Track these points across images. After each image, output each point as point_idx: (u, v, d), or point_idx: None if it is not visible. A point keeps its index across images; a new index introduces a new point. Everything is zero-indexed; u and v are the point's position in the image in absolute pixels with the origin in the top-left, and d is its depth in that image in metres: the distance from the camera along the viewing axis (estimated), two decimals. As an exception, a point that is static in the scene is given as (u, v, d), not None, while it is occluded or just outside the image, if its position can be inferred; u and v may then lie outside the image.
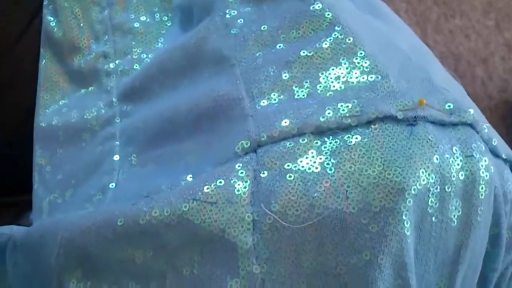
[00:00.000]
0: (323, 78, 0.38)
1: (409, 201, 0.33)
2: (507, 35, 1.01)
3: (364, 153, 0.34)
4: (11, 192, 0.56)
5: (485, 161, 0.36)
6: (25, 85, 0.53)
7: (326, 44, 0.40)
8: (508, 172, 0.38)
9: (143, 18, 0.52)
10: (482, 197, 0.35)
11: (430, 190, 0.34)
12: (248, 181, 0.35)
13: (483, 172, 0.35)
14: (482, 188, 0.35)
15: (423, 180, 0.34)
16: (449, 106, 0.36)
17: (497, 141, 0.38)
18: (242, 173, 0.35)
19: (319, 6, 0.41)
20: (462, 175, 0.35)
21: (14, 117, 0.54)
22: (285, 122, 0.36)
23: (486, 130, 0.37)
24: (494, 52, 1.00)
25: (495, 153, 0.38)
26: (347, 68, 0.38)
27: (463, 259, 0.36)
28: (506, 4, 1.04)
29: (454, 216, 0.35)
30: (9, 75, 0.53)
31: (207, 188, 0.35)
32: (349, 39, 0.40)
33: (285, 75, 0.39)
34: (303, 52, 0.40)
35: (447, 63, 0.97)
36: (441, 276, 0.36)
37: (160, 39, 0.51)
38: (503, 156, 0.38)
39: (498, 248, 0.38)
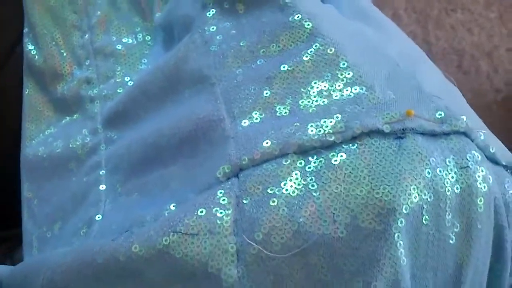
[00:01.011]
0: (305, 93, 0.37)
1: (401, 221, 0.31)
2: (511, 26, 0.98)
3: (350, 172, 0.32)
4: (4, 226, 0.55)
5: (482, 171, 0.33)
6: (10, 114, 0.52)
7: (307, 56, 0.38)
8: (510, 179, 0.36)
9: (125, 40, 0.51)
10: (481, 210, 0.33)
11: (423, 208, 0.32)
12: (231, 209, 0.33)
13: (480, 184, 0.33)
14: (480, 201, 0.33)
15: (415, 197, 0.32)
16: (440, 114, 0.34)
17: (496, 147, 0.35)
18: (224, 200, 0.34)
19: (298, 17, 0.39)
20: (457, 189, 0.33)
21: (2, 147, 0.53)
22: (267, 143, 0.34)
23: (482, 138, 0.35)
24: (498, 44, 0.97)
25: (493, 161, 0.35)
26: (329, 81, 0.37)
27: (465, 278, 0.34)
28: (509, -5, 1.01)
29: (452, 233, 0.33)
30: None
31: (188, 219, 0.33)
32: (331, 50, 0.38)
33: (266, 92, 0.37)
34: (284, 67, 0.38)
35: (450, 59, 0.95)
36: None
37: (144, 60, 0.50)
38: (503, 163, 0.36)
39: (502, 262, 0.35)
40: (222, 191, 0.34)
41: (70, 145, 0.47)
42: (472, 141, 0.34)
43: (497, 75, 0.94)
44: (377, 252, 0.31)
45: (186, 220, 0.33)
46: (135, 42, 0.51)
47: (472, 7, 1.01)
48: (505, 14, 1.00)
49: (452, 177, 0.33)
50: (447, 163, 0.33)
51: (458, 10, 1.00)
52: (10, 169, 0.50)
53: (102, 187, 0.43)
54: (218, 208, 0.33)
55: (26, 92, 0.51)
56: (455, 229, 0.33)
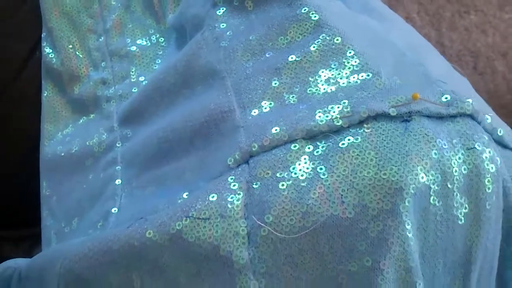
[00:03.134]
0: (313, 82, 0.37)
1: (408, 201, 0.31)
2: (526, 26, 0.98)
3: (357, 155, 0.33)
4: (24, 225, 0.56)
5: (489, 152, 0.34)
6: (29, 116, 0.53)
7: (314, 47, 0.39)
8: None
9: (139, 42, 0.52)
10: (489, 190, 0.33)
11: (430, 188, 0.32)
12: (241, 193, 0.34)
13: (487, 164, 0.33)
14: (488, 181, 0.33)
15: (422, 177, 0.32)
16: (446, 98, 0.35)
17: (504, 131, 0.36)
18: (234, 185, 0.34)
19: (305, 10, 0.40)
20: (464, 169, 0.33)
21: (21, 148, 0.54)
22: (276, 130, 0.35)
23: (489, 120, 0.35)
24: (513, 45, 0.97)
25: (502, 144, 0.35)
26: (336, 69, 0.37)
27: (475, 259, 0.34)
28: (522, -5, 1.01)
29: (461, 213, 0.33)
30: (13, 107, 0.54)
31: (200, 204, 0.34)
32: (337, 39, 0.38)
33: (274, 83, 0.38)
34: (292, 58, 0.39)
35: (465, 60, 0.95)
36: (454, 278, 0.34)
37: (157, 61, 0.51)
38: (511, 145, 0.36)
39: None
40: (233, 177, 0.35)
41: (87, 143, 0.48)
42: (479, 123, 0.35)
43: (513, 76, 0.94)
44: (385, 232, 0.31)
45: (198, 206, 0.34)
46: (149, 43, 0.52)
47: (485, 8, 1.01)
48: (520, 14, 0.99)
49: (459, 158, 0.33)
50: (454, 144, 0.33)
51: (471, 11, 1.00)
52: (29, 170, 0.51)
53: (118, 181, 0.44)
54: (229, 193, 0.34)
55: (45, 94, 0.52)
56: (463, 210, 0.33)
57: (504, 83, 0.93)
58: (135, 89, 0.50)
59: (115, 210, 0.43)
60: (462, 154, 0.33)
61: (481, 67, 0.94)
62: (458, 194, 0.33)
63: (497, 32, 0.97)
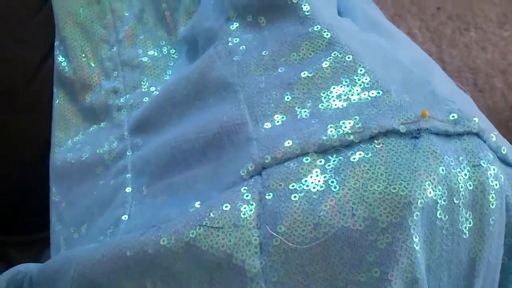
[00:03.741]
0: (325, 97, 0.38)
1: (417, 215, 0.33)
2: (525, 44, 0.99)
3: (368, 169, 0.34)
4: (33, 230, 0.57)
5: (493, 169, 0.35)
6: (40, 123, 0.54)
7: (326, 63, 0.40)
8: None
9: (151, 53, 0.53)
10: (493, 206, 0.35)
11: (437, 203, 0.33)
12: (254, 204, 0.35)
13: (492, 181, 0.35)
14: (492, 198, 0.35)
15: (430, 192, 0.33)
16: (453, 116, 0.36)
17: (507, 149, 0.37)
18: (247, 196, 0.35)
19: (317, 27, 0.42)
20: (470, 186, 0.34)
21: (32, 155, 0.55)
22: (288, 143, 0.36)
23: (493, 139, 0.36)
24: (512, 62, 0.98)
25: (505, 162, 0.37)
26: (348, 86, 0.38)
27: (478, 272, 0.35)
28: (522, 14, 1.03)
29: (465, 227, 0.34)
30: (24, 114, 0.55)
31: (213, 214, 0.35)
32: (349, 57, 0.40)
33: (287, 97, 0.39)
34: (304, 73, 0.40)
35: (465, 77, 0.96)
36: None
37: (168, 72, 0.52)
38: None
39: None
40: (246, 188, 0.36)
41: (98, 151, 0.49)
42: (484, 142, 0.36)
43: (512, 93, 0.95)
44: (394, 244, 0.32)
45: (211, 215, 0.35)
46: (160, 55, 0.53)
47: (485, 26, 1.02)
48: (519, 33, 1.01)
49: (465, 175, 0.34)
50: (460, 161, 0.34)
51: (471, 29, 1.01)
52: (38, 176, 0.52)
53: (128, 189, 0.45)
54: (242, 203, 0.35)
55: (57, 102, 0.53)
56: (468, 224, 0.34)
57: (503, 100, 0.94)
58: (146, 99, 0.50)
59: (125, 218, 0.44)
60: (468, 171, 0.34)
61: (480, 83, 0.96)
62: (463, 209, 0.34)
63: (497, 49, 0.98)
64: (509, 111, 0.93)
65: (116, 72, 0.53)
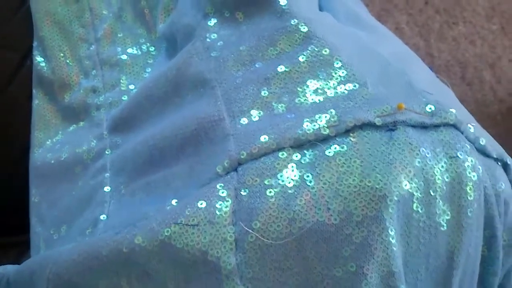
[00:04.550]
0: (301, 92, 0.38)
1: (392, 208, 0.32)
2: (513, 37, 0.99)
3: (343, 163, 0.33)
4: (13, 232, 0.56)
5: (471, 161, 0.35)
6: (20, 124, 0.53)
7: (302, 58, 0.39)
8: (501, 172, 0.37)
9: (130, 50, 0.53)
10: (471, 198, 0.34)
11: (414, 195, 0.33)
12: (230, 201, 0.34)
13: (469, 173, 0.34)
14: (470, 189, 0.34)
15: (405, 185, 0.33)
16: (430, 108, 0.36)
17: (486, 140, 0.37)
18: (223, 192, 0.35)
19: (294, 21, 0.41)
20: (447, 177, 0.34)
21: (11, 156, 0.55)
22: (264, 138, 0.36)
23: (471, 130, 0.36)
24: (501, 55, 0.98)
25: (484, 153, 0.36)
26: (324, 80, 0.38)
27: (457, 264, 0.35)
28: (509, 7, 1.03)
29: (443, 220, 0.34)
30: (4, 115, 0.54)
31: (189, 211, 0.34)
32: (325, 51, 0.39)
33: (264, 92, 0.39)
34: (281, 68, 0.40)
35: (453, 71, 0.96)
36: (436, 283, 0.35)
37: (147, 69, 0.52)
38: (494, 155, 0.37)
39: (494, 251, 0.36)
40: (222, 184, 0.35)
41: (77, 151, 0.48)
42: (462, 133, 0.36)
43: (501, 86, 0.95)
44: (369, 238, 0.32)
45: (186, 212, 0.34)
46: (140, 52, 0.53)
47: (473, 19, 1.02)
48: (507, 26, 1.01)
49: (442, 167, 0.34)
50: (437, 153, 0.34)
51: (459, 23, 1.01)
52: (18, 177, 0.51)
53: (107, 188, 0.45)
54: (217, 200, 0.35)
55: (36, 103, 0.53)
56: (446, 217, 0.34)
57: (492, 93, 0.94)
58: (125, 97, 0.50)
59: (103, 217, 0.43)
60: (445, 162, 0.34)
61: (469, 77, 0.96)
62: (440, 201, 0.34)
63: (485, 43, 0.98)
64: (498, 104, 0.93)
65: (95, 71, 0.52)
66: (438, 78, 0.45)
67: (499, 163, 0.37)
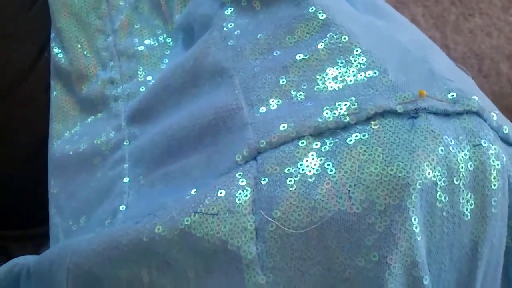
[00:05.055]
0: (320, 80, 0.38)
1: (415, 196, 0.32)
2: (530, 28, 0.98)
3: (364, 151, 0.33)
4: (33, 224, 0.57)
5: (495, 149, 0.34)
6: (38, 115, 0.54)
7: (321, 45, 0.39)
8: None
9: (147, 42, 0.53)
10: (495, 187, 0.34)
11: (437, 184, 0.32)
12: (249, 189, 0.34)
13: (493, 161, 0.34)
14: (494, 178, 0.34)
15: (428, 173, 0.32)
16: (452, 95, 0.35)
17: (509, 128, 0.36)
18: (242, 181, 0.35)
19: (312, 9, 0.41)
20: (471, 166, 0.33)
21: (28, 148, 0.55)
22: (284, 126, 0.36)
23: (494, 118, 0.35)
24: (518, 47, 0.97)
25: (507, 141, 0.36)
26: (344, 67, 0.38)
27: (481, 255, 0.34)
28: (526, -2, 1.01)
29: (467, 209, 0.33)
30: (22, 107, 0.55)
31: (208, 200, 0.34)
32: (344, 38, 0.39)
33: (282, 80, 0.39)
34: (299, 56, 0.39)
35: (470, 63, 0.95)
36: (460, 274, 0.34)
37: (165, 60, 0.52)
38: None
39: None
40: (241, 173, 0.35)
41: (95, 142, 0.49)
42: (485, 121, 0.35)
43: (518, 78, 0.94)
44: (392, 227, 0.32)
45: (206, 201, 0.34)
46: (156, 43, 0.53)
47: (489, 11, 1.01)
48: (524, 17, 0.99)
49: (465, 155, 0.33)
50: (460, 140, 0.34)
51: (476, 14, 1.00)
52: (36, 170, 0.51)
53: (126, 179, 0.45)
54: (237, 189, 0.34)
55: (54, 94, 0.53)
56: (469, 206, 0.33)
57: (509, 85, 0.93)
58: (142, 88, 0.50)
59: (123, 208, 0.43)
60: (468, 150, 0.34)
61: (486, 69, 0.94)
62: (464, 190, 0.33)
63: (502, 34, 0.97)
64: (516, 96, 0.92)
65: (112, 62, 0.52)
66: (458, 67, 0.44)
67: None
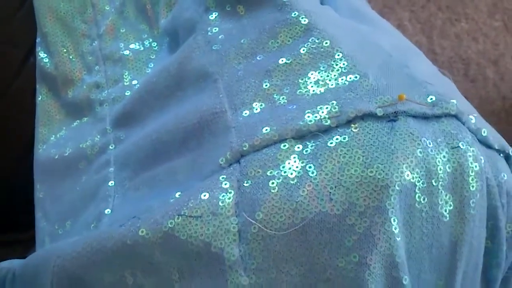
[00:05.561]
0: (303, 83, 0.38)
1: (394, 198, 0.32)
2: (516, 34, 0.99)
3: (345, 153, 0.34)
4: (19, 229, 0.57)
5: (473, 151, 0.34)
6: (24, 120, 0.54)
7: (303, 49, 0.40)
8: (503, 163, 0.37)
9: (132, 46, 0.53)
10: (473, 188, 0.34)
11: (416, 185, 0.33)
12: (232, 192, 0.35)
13: (471, 163, 0.34)
14: (472, 180, 0.34)
15: (407, 175, 0.33)
16: (431, 99, 0.36)
17: (488, 131, 0.37)
18: (226, 184, 0.35)
19: (295, 14, 0.41)
20: (449, 168, 0.34)
21: (15, 152, 0.55)
22: (266, 130, 0.36)
23: (473, 121, 0.36)
24: (504, 52, 0.98)
25: (486, 144, 0.36)
26: (325, 71, 0.38)
27: (460, 255, 0.34)
28: (512, 3, 1.02)
29: (445, 210, 0.34)
30: (8, 112, 0.55)
31: (192, 203, 0.35)
32: (326, 43, 0.39)
33: (265, 84, 0.39)
34: (282, 60, 0.40)
35: (456, 67, 0.96)
36: (439, 274, 0.35)
37: (150, 64, 0.52)
38: (496, 146, 0.37)
39: (498, 243, 0.36)
40: (224, 176, 0.35)
41: (81, 146, 0.49)
42: (463, 123, 0.35)
43: (504, 83, 0.95)
44: (372, 228, 0.32)
45: (190, 204, 0.34)
46: (142, 48, 0.53)
47: (476, 16, 1.02)
48: (510, 22, 1.01)
49: (444, 157, 0.34)
50: (439, 143, 0.34)
51: (462, 19, 1.01)
52: (23, 174, 0.51)
53: (111, 183, 0.45)
54: (220, 192, 0.35)
55: (39, 98, 0.53)
56: (448, 207, 0.34)
57: (495, 90, 0.94)
58: (128, 93, 0.50)
59: (108, 211, 0.43)
60: (447, 152, 0.34)
61: (472, 74, 0.95)
62: (443, 191, 0.34)
63: (488, 40, 0.98)
64: (501, 101, 0.93)
65: (97, 67, 0.52)
66: (440, 72, 0.45)
67: (501, 155, 0.37)
